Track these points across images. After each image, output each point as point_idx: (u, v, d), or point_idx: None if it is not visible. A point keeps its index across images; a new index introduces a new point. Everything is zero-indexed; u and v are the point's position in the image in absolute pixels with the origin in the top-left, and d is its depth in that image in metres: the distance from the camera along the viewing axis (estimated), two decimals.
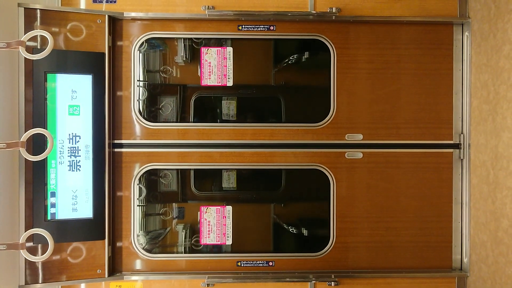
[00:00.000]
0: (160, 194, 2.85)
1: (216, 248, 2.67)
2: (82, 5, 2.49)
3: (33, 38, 2.26)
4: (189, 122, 2.75)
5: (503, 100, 2.24)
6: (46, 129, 2.27)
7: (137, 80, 2.55)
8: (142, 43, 2.56)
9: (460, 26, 2.59)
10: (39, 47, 2.28)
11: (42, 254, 2.20)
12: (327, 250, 2.59)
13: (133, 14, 2.48)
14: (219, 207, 2.62)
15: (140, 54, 2.59)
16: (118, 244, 2.54)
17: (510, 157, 2.18)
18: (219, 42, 2.62)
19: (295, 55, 2.81)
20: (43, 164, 2.30)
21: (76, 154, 2.37)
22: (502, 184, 2.25)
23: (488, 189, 2.37)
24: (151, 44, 2.66)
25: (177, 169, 2.80)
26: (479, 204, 2.45)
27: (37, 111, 2.30)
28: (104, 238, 2.43)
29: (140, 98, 2.60)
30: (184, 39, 2.68)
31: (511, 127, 2.18)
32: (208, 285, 2.49)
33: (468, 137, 2.56)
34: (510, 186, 2.18)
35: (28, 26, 2.27)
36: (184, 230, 2.81)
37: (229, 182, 2.88)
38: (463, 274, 2.56)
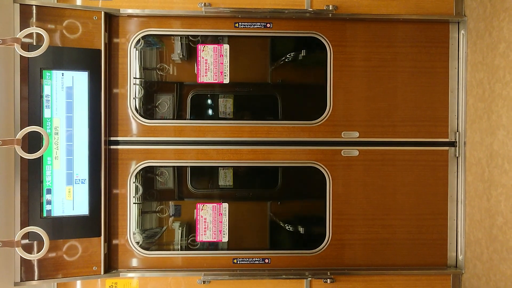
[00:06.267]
0: (156, 191, 2.85)
1: (212, 245, 2.68)
2: (78, 2, 2.49)
3: (29, 35, 2.24)
4: (185, 119, 2.75)
5: (498, 98, 2.25)
6: (42, 126, 2.27)
7: (134, 78, 2.55)
8: (139, 40, 2.55)
9: (456, 24, 2.60)
10: (34, 44, 2.27)
11: (38, 251, 2.20)
12: (323, 248, 2.60)
13: (129, 11, 2.48)
14: (215, 204, 2.62)
15: (137, 51, 2.58)
16: (114, 241, 2.54)
17: (505, 155, 2.19)
18: (215, 40, 2.62)
19: (292, 53, 2.81)
20: (39, 161, 2.29)
21: (72, 151, 2.37)
22: (497, 181, 2.26)
23: (483, 187, 2.38)
24: (148, 41, 2.66)
25: (173, 167, 2.80)
26: (474, 202, 2.46)
27: (33, 108, 2.29)
28: (100, 235, 2.42)
29: (137, 95, 2.59)
30: (181, 36, 2.68)
31: (506, 125, 2.19)
32: (204, 282, 2.49)
33: (463, 135, 2.57)
34: (505, 184, 2.19)
35: (24, 23, 2.26)
36: (180, 228, 2.81)
37: (225, 180, 2.88)
38: (458, 271, 2.57)
